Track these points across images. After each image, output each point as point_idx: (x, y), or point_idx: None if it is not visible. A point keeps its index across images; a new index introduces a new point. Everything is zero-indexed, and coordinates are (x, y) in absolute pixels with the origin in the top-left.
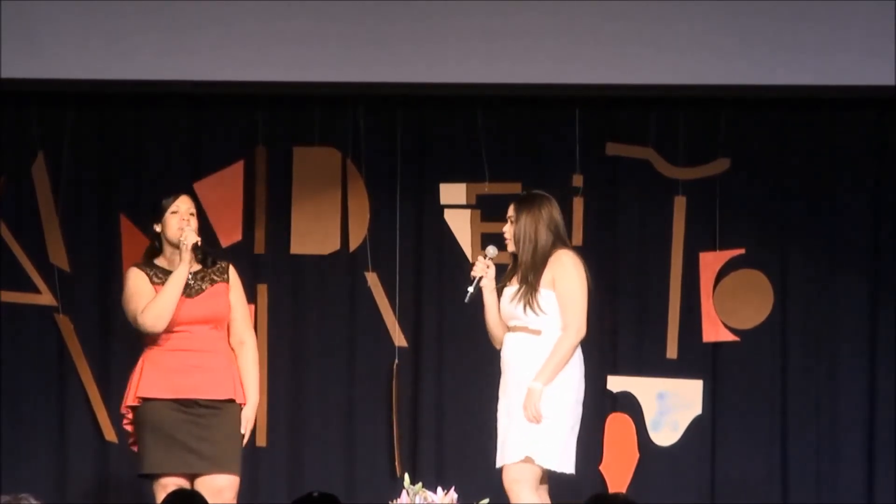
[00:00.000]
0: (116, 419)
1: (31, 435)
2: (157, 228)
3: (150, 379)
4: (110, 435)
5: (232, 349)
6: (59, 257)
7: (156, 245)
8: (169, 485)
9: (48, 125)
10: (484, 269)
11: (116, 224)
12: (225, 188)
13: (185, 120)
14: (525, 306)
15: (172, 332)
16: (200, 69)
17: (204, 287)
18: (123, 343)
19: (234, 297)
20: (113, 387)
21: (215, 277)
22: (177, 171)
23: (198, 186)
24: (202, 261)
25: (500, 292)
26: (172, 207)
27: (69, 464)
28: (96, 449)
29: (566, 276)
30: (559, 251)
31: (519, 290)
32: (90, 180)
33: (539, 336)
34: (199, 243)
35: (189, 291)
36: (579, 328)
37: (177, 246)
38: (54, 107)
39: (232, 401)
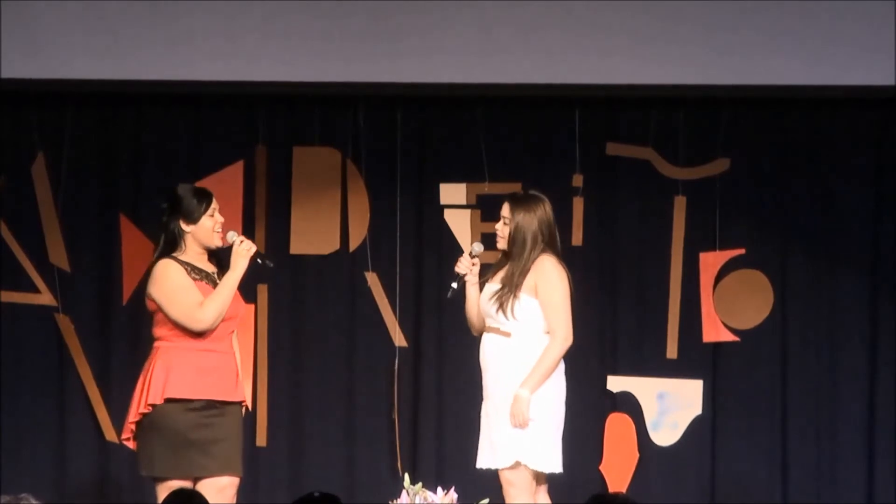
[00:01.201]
0: (117, 419)
1: (30, 435)
2: (187, 228)
3: (182, 379)
4: (110, 435)
5: None
6: (58, 257)
7: (172, 239)
8: (175, 486)
9: (48, 125)
10: (469, 267)
11: (116, 224)
12: (225, 188)
13: (185, 120)
14: (498, 308)
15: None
16: (201, 69)
17: None
18: (123, 343)
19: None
20: (113, 387)
21: None
22: (177, 170)
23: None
24: (221, 261)
25: (483, 286)
26: (209, 211)
27: (69, 463)
28: (96, 449)
29: (549, 284)
30: (542, 256)
31: (499, 290)
32: (90, 180)
33: (509, 339)
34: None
35: None
36: (566, 336)
37: (208, 247)
38: (54, 107)
39: (237, 402)
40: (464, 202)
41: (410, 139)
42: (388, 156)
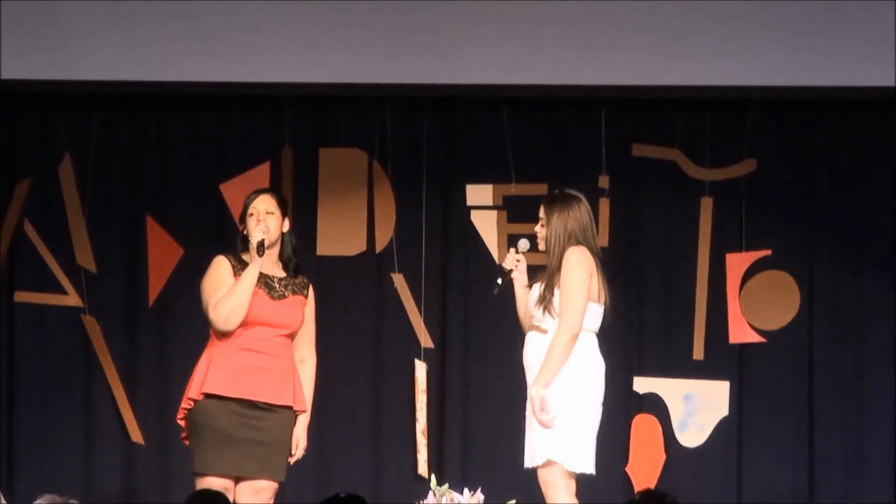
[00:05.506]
0: (143, 420)
1: (57, 436)
2: (241, 229)
3: (218, 376)
4: (137, 436)
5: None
6: (85, 258)
7: (241, 242)
8: (214, 484)
9: (74, 127)
10: (514, 263)
11: (143, 225)
12: (251, 189)
13: (211, 121)
14: (543, 311)
15: (248, 329)
16: (227, 71)
17: (287, 294)
18: (150, 344)
19: (308, 313)
20: (139, 388)
21: (296, 289)
22: (203, 172)
23: (224, 188)
24: (288, 268)
25: (532, 287)
26: (250, 209)
27: (95, 465)
28: (122, 451)
29: (566, 273)
30: (569, 248)
31: (541, 292)
32: (116, 182)
33: (546, 335)
34: (265, 242)
35: (274, 294)
36: (571, 326)
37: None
38: (80, 108)
39: (287, 407)
40: (490, 203)
41: (436, 140)
42: (415, 157)
